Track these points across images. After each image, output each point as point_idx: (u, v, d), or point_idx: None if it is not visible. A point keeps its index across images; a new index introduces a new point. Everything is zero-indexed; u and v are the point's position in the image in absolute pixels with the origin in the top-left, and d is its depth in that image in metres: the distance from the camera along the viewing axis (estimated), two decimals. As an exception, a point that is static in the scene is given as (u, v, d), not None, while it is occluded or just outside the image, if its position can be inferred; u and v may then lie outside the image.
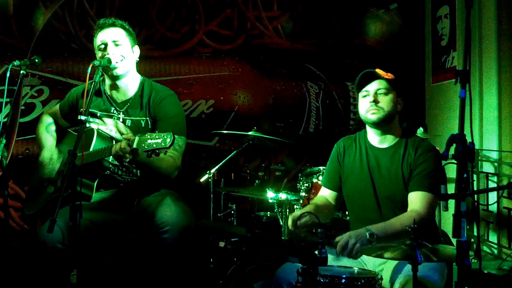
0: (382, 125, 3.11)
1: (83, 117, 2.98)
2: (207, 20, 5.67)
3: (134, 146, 3.01)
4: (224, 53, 5.71)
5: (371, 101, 3.07)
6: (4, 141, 3.31)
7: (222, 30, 5.71)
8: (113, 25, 3.56)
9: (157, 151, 2.96)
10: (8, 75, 3.41)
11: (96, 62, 3.29)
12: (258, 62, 5.77)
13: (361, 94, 3.14)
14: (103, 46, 3.51)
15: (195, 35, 5.65)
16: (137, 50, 3.63)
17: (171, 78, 5.53)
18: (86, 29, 5.45)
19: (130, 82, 3.61)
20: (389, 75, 3.11)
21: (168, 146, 2.93)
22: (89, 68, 3.13)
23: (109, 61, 3.40)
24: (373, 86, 3.09)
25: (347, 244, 2.75)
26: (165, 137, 2.94)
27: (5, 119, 3.37)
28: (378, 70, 3.13)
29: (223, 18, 5.71)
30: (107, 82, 3.62)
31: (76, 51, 5.43)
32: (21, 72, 3.43)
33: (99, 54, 3.53)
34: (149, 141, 2.97)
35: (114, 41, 3.51)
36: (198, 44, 5.66)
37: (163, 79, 5.38)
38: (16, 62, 3.46)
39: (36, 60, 3.54)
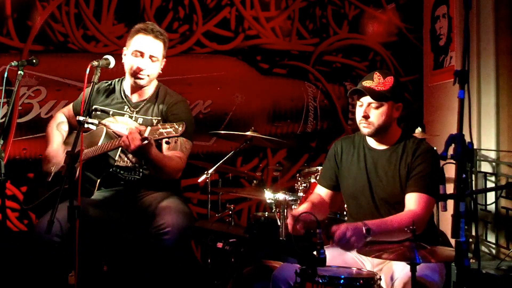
0: (376, 135, 3.13)
1: (81, 118, 3.00)
2: (205, 20, 5.66)
3: (146, 135, 3.04)
4: (221, 53, 5.70)
5: (362, 115, 3.07)
6: (1, 142, 3.30)
7: (220, 30, 5.70)
8: (157, 36, 3.56)
9: (168, 139, 3.01)
10: (5, 75, 3.40)
11: (95, 63, 3.29)
12: (255, 62, 5.76)
13: (357, 102, 3.15)
14: (139, 53, 3.53)
15: (192, 35, 5.64)
16: (164, 63, 3.66)
17: (169, 78, 5.51)
18: (84, 29, 5.44)
19: (149, 87, 3.66)
20: (385, 83, 3.06)
21: (179, 134, 3.00)
22: (88, 69, 3.14)
23: (108, 63, 3.39)
24: (366, 98, 3.07)
25: (344, 235, 2.74)
26: (177, 126, 2.99)
27: (3, 120, 3.36)
28: (376, 74, 3.09)
29: (220, 18, 5.70)
30: (129, 81, 3.64)
31: (73, 51, 5.42)
32: (19, 72, 3.42)
33: (131, 60, 3.55)
34: (160, 130, 3.01)
35: (151, 55, 3.53)
36: (195, 44, 5.65)
37: (161, 79, 5.35)
38: (14, 63, 3.45)
39: (34, 61, 3.53)
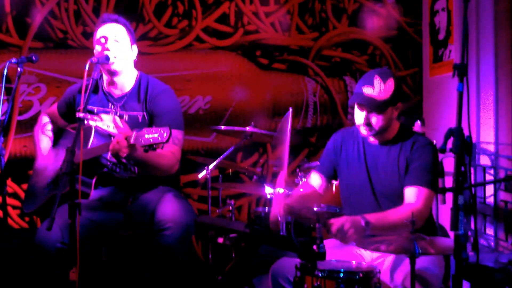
0: (376, 136, 3.12)
1: (81, 115, 2.99)
2: (204, 15, 5.66)
3: (132, 141, 3.03)
4: (221, 48, 5.71)
5: (364, 123, 3.04)
6: (2, 139, 3.31)
7: (219, 25, 5.70)
8: (116, 21, 3.57)
9: (154, 145, 2.98)
10: (5, 73, 3.40)
11: (94, 59, 3.29)
12: (255, 58, 5.76)
13: (356, 105, 3.10)
14: (103, 40, 3.51)
15: (192, 31, 5.64)
16: (135, 48, 3.65)
17: (168, 74, 5.52)
18: (83, 26, 5.44)
19: (127, 78, 3.62)
20: (387, 90, 3.00)
21: (165, 140, 2.95)
22: (87, 65, 3.14)
23: (107, 58, 3.41)
24: (368, 107, 3.04)
25: (343, 227, 2.74)
26: (162, 131, 2.96)
27: (3, 117, 3.37)
28: (377, 80, 3.02)
29: (220, 14, 5.70)
30: (105, 78, 3.64)
31: (73, 48, 5.43)
32: (18, 69, 3.43)
33: (98, 48, 3.53)
34: (146, 135, 2.99)
35: (114, 37, 3.52)
36: (195, 40, 5.65)
37: (160, 76, 5.36)
38: (13, 60, 3.45)
39: (33, 58, 3.53)
